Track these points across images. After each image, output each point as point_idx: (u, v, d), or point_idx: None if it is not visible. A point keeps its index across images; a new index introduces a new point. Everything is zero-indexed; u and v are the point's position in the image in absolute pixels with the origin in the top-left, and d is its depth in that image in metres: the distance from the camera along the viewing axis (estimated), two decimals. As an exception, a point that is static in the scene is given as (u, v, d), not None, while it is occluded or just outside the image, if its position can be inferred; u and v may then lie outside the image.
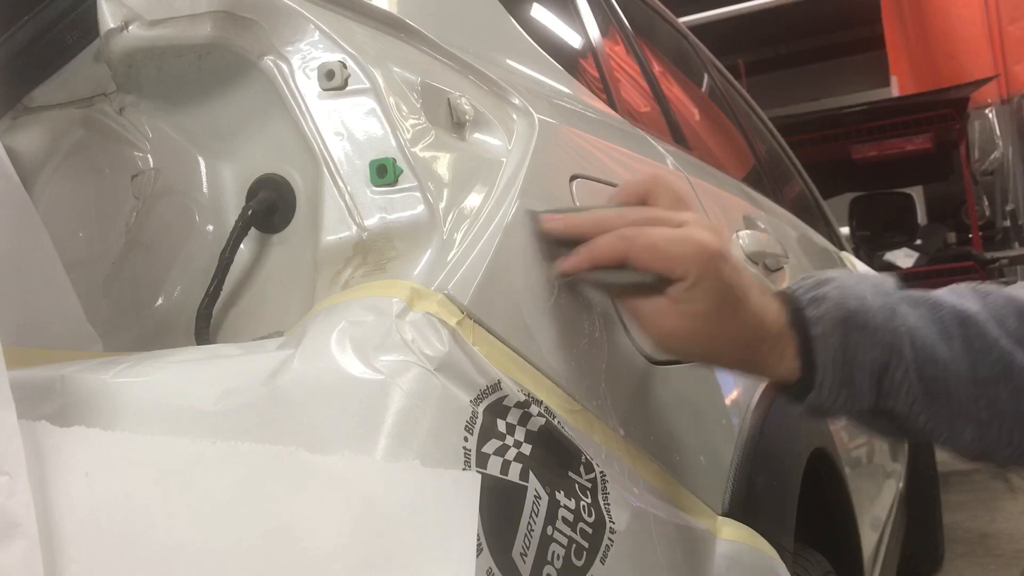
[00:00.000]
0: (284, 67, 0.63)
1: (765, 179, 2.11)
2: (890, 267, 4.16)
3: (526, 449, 0.53)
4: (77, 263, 0.62)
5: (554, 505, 0.53)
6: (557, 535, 0.52)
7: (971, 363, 0.65)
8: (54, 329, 0.57)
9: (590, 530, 0.55)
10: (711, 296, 0.61)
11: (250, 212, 0.64)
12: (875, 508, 1.69)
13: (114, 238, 0.66)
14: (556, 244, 0.63)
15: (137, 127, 0.68)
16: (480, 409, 0.51)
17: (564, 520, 0.53)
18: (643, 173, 0.71)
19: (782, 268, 1.35)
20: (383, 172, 0.60)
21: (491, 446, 0.51)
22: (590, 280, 0.65)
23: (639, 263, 0.61)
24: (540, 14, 1.21)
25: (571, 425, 0.58)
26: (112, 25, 0.63)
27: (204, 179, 0.68)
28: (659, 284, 0.62)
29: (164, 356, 0.54)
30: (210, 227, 0.67)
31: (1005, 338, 0.66)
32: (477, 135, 0.69)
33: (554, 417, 0.57)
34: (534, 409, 0.55)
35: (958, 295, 0.69)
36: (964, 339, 0.66)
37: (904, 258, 4.32)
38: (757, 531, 0.80)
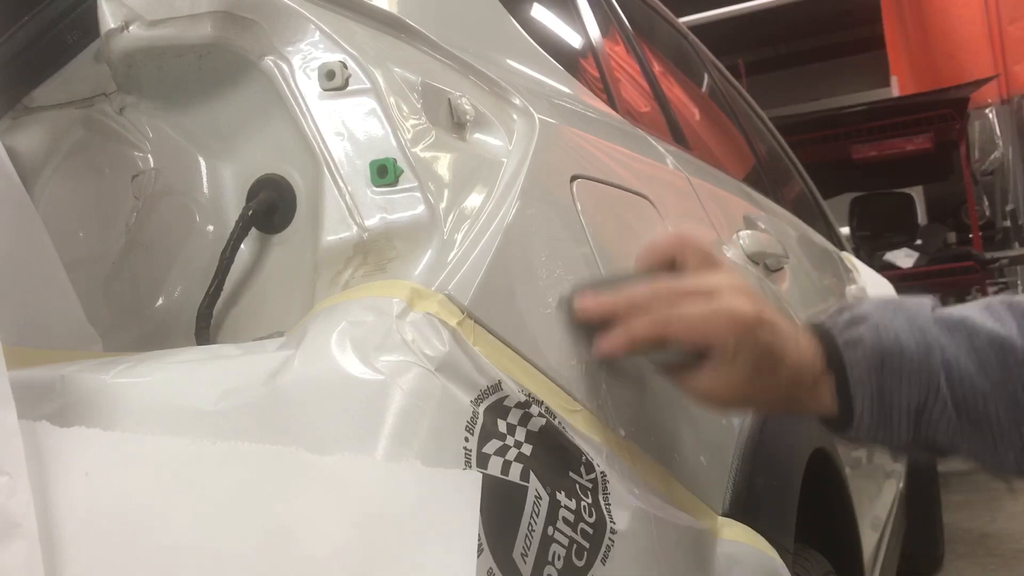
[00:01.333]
0: (284, 67, 0.63)
1: (765, 179, 2.11)
2: (890, 267, 4.16)
3: (527, 449, 0.53)
4: (77, 263, 0.62)
5: (555, 505, 0.53)
6: (558, 535, 0.52)
7: (1010, 390, 0.65)
8: (54, 329, 0.57)
9: (591, 530, 0.55)
10: (750, 362, 0.62)
11: (250, 212, 0.64)
12: (875, 508, 1.69)
13: (114, 238, 0.66)
14: (589, 323, 0.64)
15: (137, 127, 0.68)
16: (481, 409, 0.51)
17: (565, 520, 0.53)
18: (670, 235, 0.71)
19: (782, 268, 1.35)
20: (384, 172, 0.60)
21: (492, 446, 0.51)
22: (630, 362, 0.66)
23: (676, 340, 0.62)
24: (540, 14, 1.21)
25: (572, 425, 0.58)
26: (112, 25, 0.63)
27: (204, 179, 0.68)
28: (697, 359, 0.63)
29: (164, 356, 0.54)
30: (210, 227, 0.67)
31: None
32: (478, 135, 0.69)
33: (555, 417, 0.57)
34: (535, 409, 0.55)
35: (994, 316, 0.68)
36: (1002, 367, 0.65)
37: (904, 258, 4.32)
38: (757, 531, 0.80)
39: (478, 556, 0.46)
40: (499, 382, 0.53)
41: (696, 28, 2.46)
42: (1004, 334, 0.66)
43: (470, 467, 0.49)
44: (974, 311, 0.69)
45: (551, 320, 0.62)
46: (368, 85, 0.62)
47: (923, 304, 0.70)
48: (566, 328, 0.63)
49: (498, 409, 0.52)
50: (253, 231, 0.66)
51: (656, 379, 0.75)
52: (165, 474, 0.46)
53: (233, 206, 0.67)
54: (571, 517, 0.54)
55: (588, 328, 0.64)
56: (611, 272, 0.72)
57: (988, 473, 0.70)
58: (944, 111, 4.36)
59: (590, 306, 0.63)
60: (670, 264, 0.66)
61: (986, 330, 0.67)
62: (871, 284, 2.43)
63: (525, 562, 0.49)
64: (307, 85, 0.63)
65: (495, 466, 0.50)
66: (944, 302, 0.72)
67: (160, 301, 0.66)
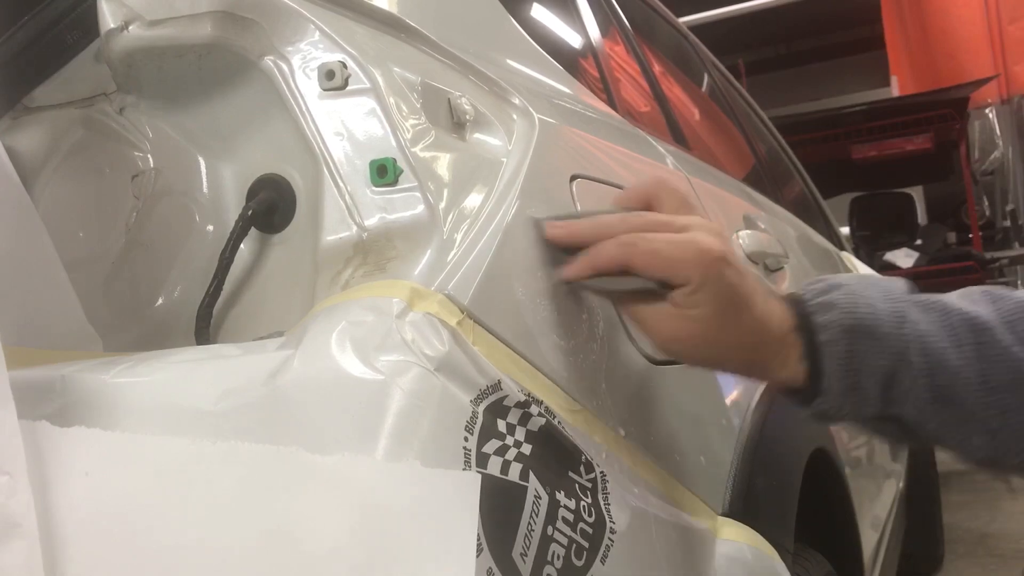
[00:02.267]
0: (284, 67, 0.63)
1: (765, 179, 2.11)
2: (890, 267, 4.16)
3: (526, 449, 0.53)
4: (77, 263, 0.62)
5: (554, 505, 0.53)
6: (557, 535, 0.52)
7: (982, 370, 0.64)
8: (54, 329, 0.57)
9: (590, 530, 0.55)
10: (714, 301, 0.60)
11: (250, 212, 0.64)
12: (875, 508, 1.69)
13: (114, 238, 0.66)
14: (558, 249, 0.63)
15: (137, 127, 0.68)
16: (480, 409, 0.51)
17: (564, 520, 0.53)
18: (646, 176, 0.71)
19: (782, 268, 1.35)
20: (383, 172, 0.60)
21: (491, 446, 0.51)
22: (592, 287, 0.64)
23: (641, 269, 0.60)
24: (540, 14, 1.21)
25: (571, 425, 0.58)
26: (112, 25, 0.63)
27: (204, 179, 0.68)
28: (662, 290, 0.61)
29: (164, 356, 0.54)
30: (210, 227, 0.67)
31: (1017, 345, 0.64)
32: (477, 135, 0.69)
33: (554, 417, 0.57)
34: (534, 409, 0.55)
35: (970, 300, 0.67)
36: (975, 346, 0.64)
37: (904, 258, 4.32)
38: (757, 531, 0.80)
39: (477, 556, 0.46)
40: (499, 382, 0.53)
41: (696, 28, 2.46)
42: (979, 315, 0.65)
43: (470, 467, 0.49)
44: (949, 296, 0.68)
45: (551, 319, 0.62)
46: (368, 85, 0.62)
47: (898, 283, 0.69)
48: (535, 249, 0.62)
49: (498, 409, 0.52)
50: (253, 231, 0.66)
51: (656, 379, 0.75)
52: (165, 474, 0.46)
53: (233, 206, 0.67)
54: (571, 517, 0.54)
55: (556, 254, 0.63)
56: (586, 209, 0.71)
57: (952, 455, 0.69)
58: (944, 111, 4.36)
59: (559, 231, 0.63)
60: (646, 207, 0.65)
61: (960, 310, 0.66)
62: (871, 284, 2.42)
63: (524, 562, 0.50)
64: (307, 85, 0.63)
65: (495, 466, 0.50)
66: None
67: (160, 301, 0.66)
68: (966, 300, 0.67)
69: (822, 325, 0.64)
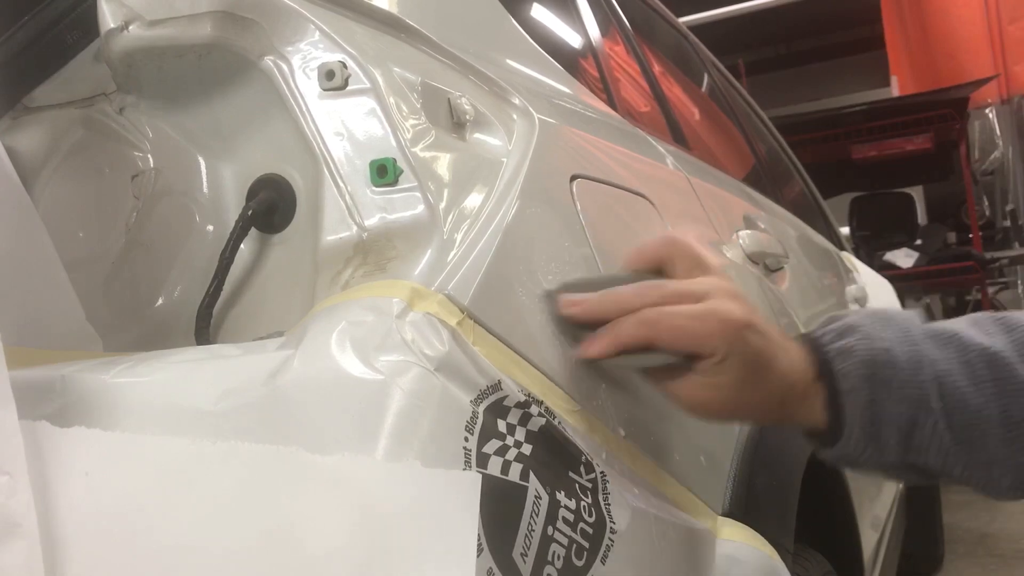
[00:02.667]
0: (284, 67, 0.63)
1: (765, 179, 2.11)
2: (890, 267, 4.16)
3: (526, 449, 0.53)
4: (77, 263, 0.62)
5: (554, 505, 0.53)
6: (557, 535, 0.52)
7: (1003, 406, 0.63)
8: (54, 329, 0.57)
9: (590, 530, 0.55)
10: (740, 368, 0.60)
11: (250, 212, 0.64)
12: (875, 508, 1.69)
13: (114, 238, 0.66)
14: (575, 324, 0.62)
15: (137, 127, 0.68)
16: (480, 409, 0.51)
17: (564, 520, 0.53)
18: (659, 238, 0.70)
19: (782, 268, 1.35)
20: (383, 172, 0.60)
21: (491, 446, 0.51)
22: (617, 365, 0.64)
23: (664, 345, 0.60)
24: (540, 14, 1.21)
25: (571, 425, 0.58)
26: (112, 25, 0.63)
27: (204, 179, 0.68)
28: (686, 362, 0.61)
29: (164, 356, 0.54)
30: (210, 227, 0.67)
31: None
32: (477, 135, 0.69)
33: (554, 417, 0.57)
34: (534, 409, 0.55)
35: (984, 331, 0.67)
36: (994, 382, 0.64)
37: (904, 258, 4.32)
38: (757, 531, 0.80)
39: (478, 556, 0.46)
40: (499, 382, 0.53)
41: (696, 28, 2.46)
42: (995, 348, 0.65)
43: (470, 467, 0.49)
44: (963, 326, 0.68)
45: (550, 320, 0.62)
46: (368, 85, 0.62)
47: (912, 318, 0.69)
48: (550, 324, 0.61)
49: (498, 409, 0.52)
50: (253, 231, 0.66)
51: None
52: (165, 474, 0.46)
53: (233, 206, 0.67)
54: (571, 517, 0.54)
55: (572, 328, 0.62)
56: (597, 273, 0.70)
57: (981, 494, 0.68)
58: (944, 111, 4.37)
59: (575, 307, 0.62)
60: (658, 268, 0.65)
61: (976, 344, 0.65)
62: (871, 284, 2.43)
63: (525, 562, 0.50)
64: (307, 85, 0.63)
65: (495, 466, 0.50)
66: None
67: (160, 301, 0.66)
68: (981, 331, 0.67)
69: (841, 374, 0.64)
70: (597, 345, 0.61)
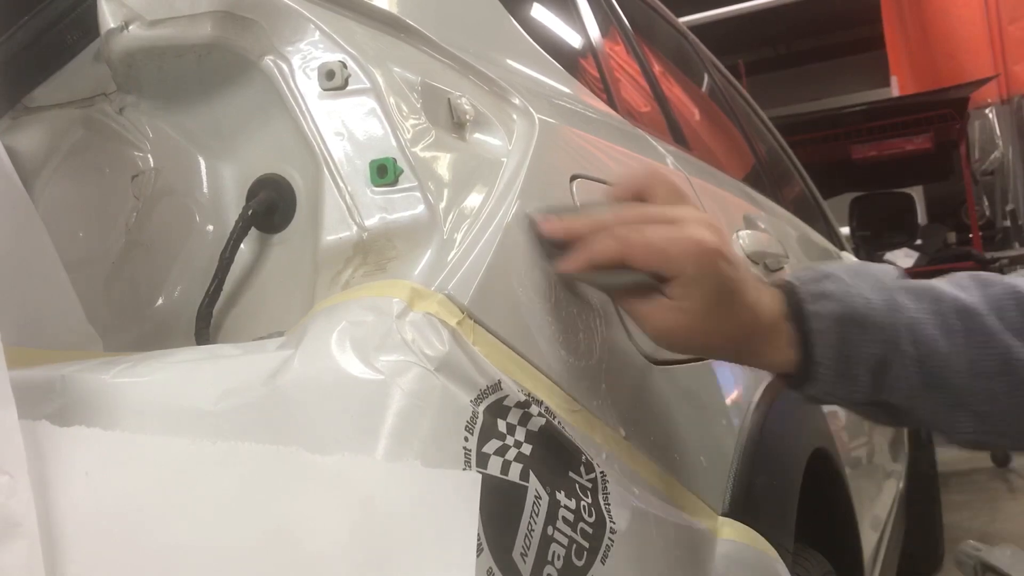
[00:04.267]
0: (284, 67, 0.63)
1: (765, 179, 2.11)
2: (890, 267, 4.15)
3: (526, 449, 0.53)
4: (77, 263, 0.62)
5: (554, 505, 0.53)
6: (557, 535, 0.52)
7: (971, 357, 0.65)
8: (54, 329, 0.57)
9: (590, 530, 0.55)
10: (707, 293, 0.61)
11: (250, 212, 0.64)
12: (875, 508, 1.69)
13: (114, 238, 0.66)
14: (554, 245, 0.64)
15: (137, 127, 0.68)
16: (480, 409, 0.51)
17: (564, 520, 0.53)
18: (639, 167, 0.71)
19: (782, 268, 1.35)
20: (383, 172, 0.60)
21: (491, 446, 0.51)
22: (587, 280, 0.65)
23: (636, 263, 0.61)
24: (540, 14, 1.21)
25: (571, 425, 0.58)
26: (112, 25, 0.63)
27: (204, 179, 0.68)
28: (656, 282, 0.62)
29: (164, 356, 0.54)
30: (210, 227, 0.67)
31: (1005, 331, 0.66)
32: (477, 135, 0.69)
33: (554, 417, 0.57)
34: (534, 409, 0.55)
35: (960, 286, 0.69)
36: (965, 332, 0.66)
37: (904, 258, 4.32)
38: (757, 531, 0.80)
39: (478, 556, 0.46)
40: (499, 382, 0.53)
41: (696, 28, 2.46)
42: (969, 302, 0.67)
43: (470, 467, 0.49)
44: (940, 282, 0.70)
45: (551, 319, 0.62)
46: (368, 85, 0.62)
47: (889, 270, 0.70)
48: (532, 247, 0.62)
49: (498, 409, 0.52)
50: (253, 231, 0.66)
51: (656, 378, 0.75)
52: (165, 474, 0.46)
53: (233, 206, 0.67)
54: (571, 517, 0.54)
55: (552, 248, 0.63)
56: (580, 203, 0.72)
57: (940, 438, 0.70)
58: (944, 111, 4.36)
59: (554, 226, 0.63)
60: (639, 198, 0.66)
61: (951, 296, 0.67)
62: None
63: (525, 562, 0.50)
64: (307, 85, 0.63)
65: (495, 466, 0.50)
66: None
67: (160, 301, 0.66)
68: (956, 286, 0.69)
69: (814, 313, 0.66)
70: (571, 260, 0.62)
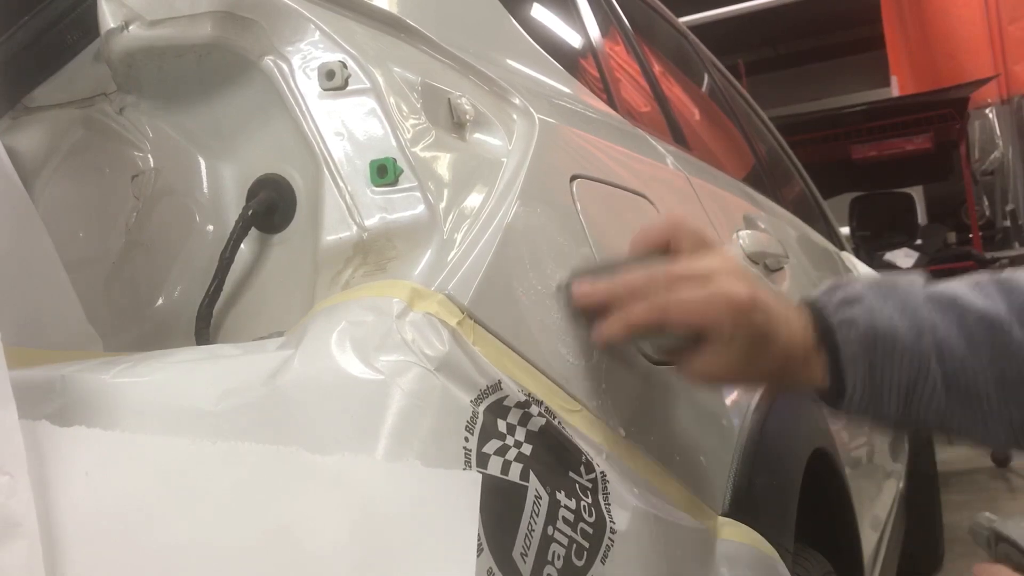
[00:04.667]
0: (284, 67, 0.63)
1: (765, 179, 2.11)
2: (890, 267, 4.16)
3: (527, 449, 0.53)
4: (77, 263, 0.62)
5: (554, 505, 0.53)
6: (557, 535, 0.52)
7: (999, 369, 0.67)
8: (54, 329, 0.57)
9: (591, 530, 0.55)
10: (744, 344, 0.64)
11: (250, 212, 0.64)
12: (875, 508, 1.69)
13: (114, 238, 0.66)
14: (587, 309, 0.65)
15: (137, 127, 0.68)
16: (480, 409, 0.51)
17: (565, 520, 0.53)
18: (663, 219, 0.73)
19: (782, 268, 1.35)
20: (383, 172, 0.60)
21: (491, 446, 0.51)
22: (628, 344, 0.68)
23: (673, 327, 0.63)
24: (540, 14, 1.21)
25: (571, 425, 0.58)
26: (112, 25, 0.63)
27: (204, 179, 0.68)
28: (694, 338, 0.64)
29: (164, 356, 0.54)
30: (210, 227, 0.67)
31: None
32: (477, 135, 0.69)
33: (554, 417, 0.57)
34: (534, 409, 0.55)
35: (984, 294, 0.70)
36: (991, 345, 0.67)
37: (904, 258, 4.32)
38: (757, 531, 0.80)
39: (478, 556, 0.46)
40: (499, 382, 0.53)
41: (696, 28, 2.46)
42: (993, 312, 0.68)
43: (470, 467, 0.49)
44: (964, 289, 0.71)
45: (550, 319, 0.62)
46: (368, 85, 0.62)
47: (915, 283, 0.72)
48: (565, 314, 0.64)
49: (498, 409, 0.52)
50: (253, 231, 0.66)
51: (657, 379, 0.75)
52: (165, 474, 0.46)
53: (233, 206, 0.67)
54: (571, 517, 0.54)
55: (586, 314, 0.64)
56: (607, 258, 0.72)
57: (977, 447, 0.73)
58: (944, 111, 4.36)
59: (587, 293, 0.64)
60: (664, 248, 0.67)
61: (976, 308, 0.69)
62: (871, 284, 2.42)
63: (525, 562, 0.50)
64: (307, 85, 0.63)
65: (495, 466, 0.50)
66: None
67: (160, 301, 0.66)
68: (981, 295, 0.70)
69: (844, 342, 0.68)
70: (610, 328, 0.64)
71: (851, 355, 0.67)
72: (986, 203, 5.09)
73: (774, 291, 0.82)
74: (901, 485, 2.21)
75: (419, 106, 0.64)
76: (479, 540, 0.46)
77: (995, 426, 0.68)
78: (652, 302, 0.63)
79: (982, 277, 0.72)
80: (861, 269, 2.53)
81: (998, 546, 0.52)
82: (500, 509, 0.49)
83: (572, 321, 0.64)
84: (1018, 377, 0.67)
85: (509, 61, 0.88)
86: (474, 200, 0.62)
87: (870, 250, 4.33)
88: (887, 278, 0.72)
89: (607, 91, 1.21)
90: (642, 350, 0.69)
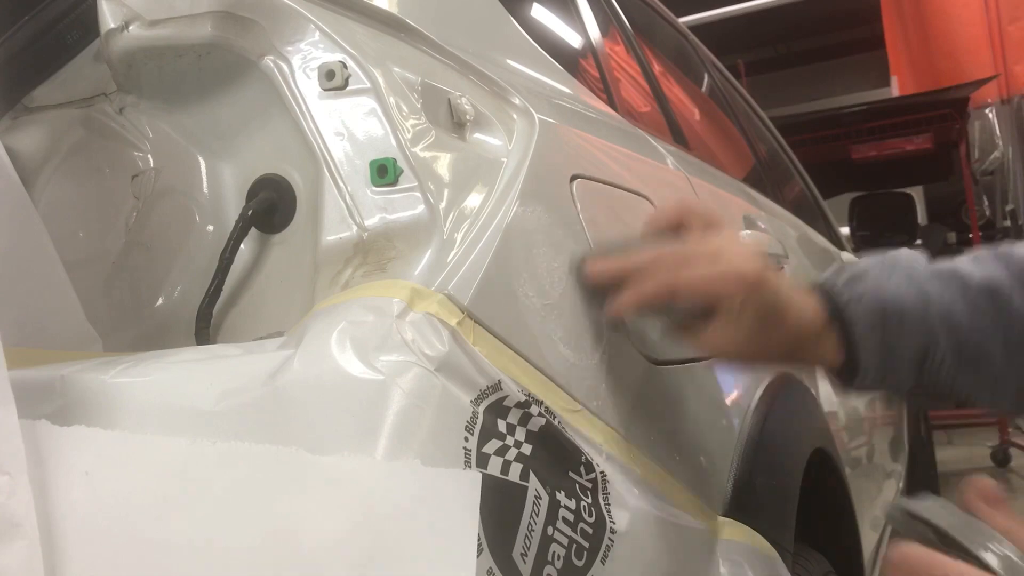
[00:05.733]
0: (284, 67, 0.63)
1: (765, 179, 2.11)
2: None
3: (526, 449, 0.53)
4: (77, 263, 0.62)
5: (554, 505, 0.53)
6: (557, 535, 0.52)
7: (1003, 334, 0.69)
8: (54, 329, 0.57)
9: (590, 530, 0.55)
10: (754, 318, 0.65)
11: (250, 212, 0.64)
12: (875, 508, 1.69)
13: (114, 238, 0.66)
14: (599, 285, 0.67)
15: (137, 127, 0.68)
16: (480, 409, 0.51)
17: (564, 520, 0.53)
18: (672, 203, 0.75)
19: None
20: (383, 172, 0.60)
21: (491, 446, 0.51)
22: (641, 320, 0.69)
23: (683, 301, 0.65)
24: (540, 14, 1.21)
25: (571, 425, 0.58)
26: (112, 25, 0.63)
27: (204, 179, 0.68)
28: (704, 314, 0.65)
29: (164, 356, 0.54)
30: (210, 227, 0.67)
31: None
32: (477, 135, 0.69)
33: (554, 417, 0.57)
34: (534, 409, 0.55)
35: (982, 265, 0.72)
36: (994, 312, 0.70)
37: (904, 258, 4.30)
38: (757, 531, 0.80)
39: (478, 556, 0.46)
40: (499, 382, 0.53)
41: (696, 28, 2.46)
42: (993, 279, 0.71)
43: (470, 467, 0.49)
44: (964, 262, 0.74)
45: (550, 319, 0.62)
46: (368, 85, 0.62)
47: (917, 259, 0.74)
48: (578, 291, 0.65)
49: (498, 409, 0.52)
50: (253, 231, 0.66)
51: (657, 379, 0.75)
52: (165, 474, 0.46)
53: (233, 206, 0.67)
54: (571, 517, 0.54)
55: (599, 292, 0.66)
56: (619, 238, 0.74)
57: (989, 410, 0.74)
58: (944, 111, 4.36)
59: (600, 270, 0.66)
60: (675, 230, 0.69)
61: (976, 278, 0.71)
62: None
63: (525, 562, 0.50)
64: (307, 85, 0.63)
65: (495, 466, 0.50)
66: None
67: (160, 301, 0.66)
68: (979, 266, 0.73)
69: (855, 318, 0.70)
70: (621, 303, 0.66)
71: (862, 331, 0.69)
72: (986, 203, 5.09)
73: (783, 274, 0.84)
74: (901, 485, 2.21)
75: (419, 106, 0.64)
76: (479, 540, 0.46)
77: (1003, 387, 0.71)
78: (664, 277, 0.64)
79: (980, 252, 0.75)
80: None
81: (912, 525, 0.53)
82: (500, 509, 0.49)
83: (585, 299, 0.65)
84: (1022, 340, 0.69)
85: (509, 61, 0.88)
86: (474, 200, 0.62)
87: (870, 250, 4.32)
88: (890, 254, 0.74)
89: (607, 91, 1.21)
90: (642, 350, 0.70)
